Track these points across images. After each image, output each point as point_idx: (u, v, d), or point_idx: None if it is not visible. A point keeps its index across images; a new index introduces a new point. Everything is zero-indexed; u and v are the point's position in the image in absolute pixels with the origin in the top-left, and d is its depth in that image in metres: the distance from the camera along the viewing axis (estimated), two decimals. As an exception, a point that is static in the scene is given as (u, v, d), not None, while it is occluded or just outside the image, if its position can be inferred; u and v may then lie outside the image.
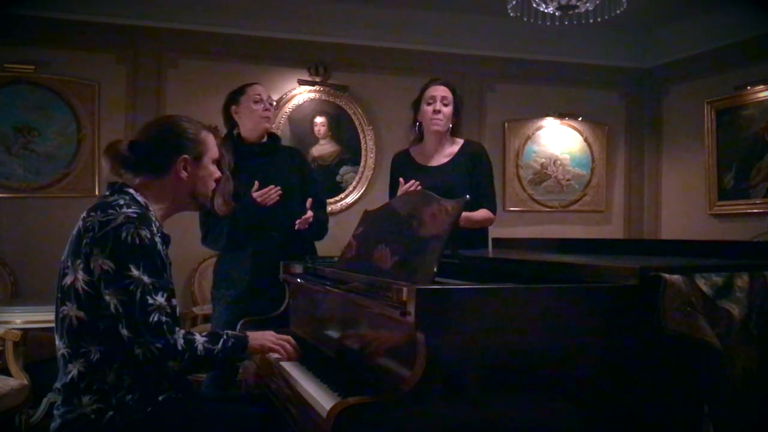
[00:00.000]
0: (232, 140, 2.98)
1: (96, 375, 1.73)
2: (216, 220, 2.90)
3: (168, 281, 1.81)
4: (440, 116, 3.00)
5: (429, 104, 3.02)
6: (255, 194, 2.84)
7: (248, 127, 2.99)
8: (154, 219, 1.84)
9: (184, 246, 4.64)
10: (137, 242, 1.72)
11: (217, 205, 2.81)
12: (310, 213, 2.89)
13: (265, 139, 3.05)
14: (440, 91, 3.02)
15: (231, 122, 3.03)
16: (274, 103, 3.05)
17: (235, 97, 3.01)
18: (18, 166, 4.67)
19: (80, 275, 1.74)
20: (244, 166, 2.92)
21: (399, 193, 2.83)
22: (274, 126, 2.99)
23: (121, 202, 1.79)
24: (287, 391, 1.89)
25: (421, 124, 3.10)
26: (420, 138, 3.15)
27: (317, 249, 3.17)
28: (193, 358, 1.77)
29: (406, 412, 1.41)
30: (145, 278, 1.71)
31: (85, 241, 1.74)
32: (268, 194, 2.83)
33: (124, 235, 1.71)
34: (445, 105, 3.02)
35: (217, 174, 2.04)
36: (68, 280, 1.76)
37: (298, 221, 2.88)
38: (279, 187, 2.84)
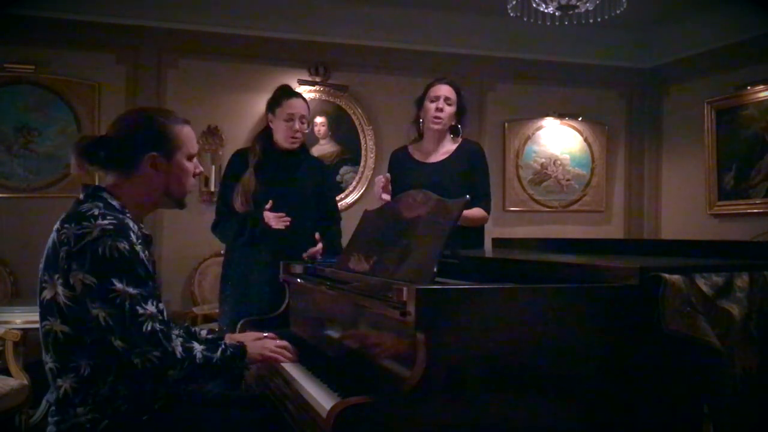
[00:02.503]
0: (264, 140, 3.04)
1: (89, 390, 1.69)
2: (230, 213, 2.96)
3: (153, 288, 1.73)
4: (442, 114, 3.02)
5: (432, 102, 3.04)
6: (267, 214, 2.88)
7: (279, 140, 3.03)
8: (131, 224, 1.75)
9: (184, 246, 4.67)
10: (116, 255, 1.64)
11: (236, 202, 2.91)
12: (319, 246, 2.90)
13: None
14: (444, 90, 3.04)
15: (268, 125, 3.07)
16: (306, 123, 3.04)
17: (273, 105, 3.03)
18: (18, 166, 4.67)
19: (60, 290, 1.67)
20: (267, 168, 2.98)
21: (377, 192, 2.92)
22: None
23: (96, 211, 1.70)
24: (287, 391, 1.89)
25: (422, 121, 3.11)
26: (420, 135, 3.16)
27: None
28: (192, 367, 1.73)
29: (406, 412, 1.41)
30: (131, 290, 1.65)
31: (61, 255, 1.67)
32: (278, 220, 2.86)
33: (101, 249, 1.64)
34: (448, 104, 3.04)
35: (198, 170, 1.93)
36: (47, 294, 1.70)
37: (306, 254, 2.89)
38: (289, 219, 2.87)
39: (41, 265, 1.75)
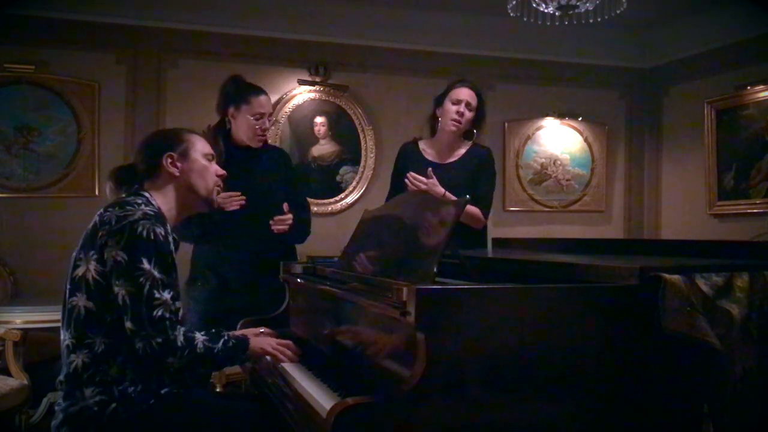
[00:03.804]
0: (224, 136, 2.91)
1: (99, 366, 1.76)
2: None
3: (176, 281, 1.84)
4: (462, 119, 3.01)
5: (454, 104, 3.02)
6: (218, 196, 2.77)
7: (242, 138, 2.93)
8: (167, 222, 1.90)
9: (185, 247, 4.66)
10: (152, 237, 1.77)
11: None
12: (289, 215, 2.82)
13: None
14: (467, 95, 3.03)
15: (225, 120, 2.95)
16: (273, 119, 2.98)
17: (236, 100, 2.91)
18: (18, 166, 4.65)
19: (92, 265, 1.78)
20: (230, 166, 2.84)
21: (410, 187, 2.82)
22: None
23: (139, 200, 1.86)
24: (287, 390, 1.89)
25: (437, 119, 3.10)
26: (432, 134, 3.15)
27: (318, 247, 3.18)
28: (193, 356, 1.80)
29: (406, 412, 1.41)
30: (156, 273, 1.75)
31: (100, 233, 1.79)
32: (231, 199, 2.70)
33: (139, 229, 1.76)
34: (469, 110, 3.03)
35: (221, 172, 2.09)
36: (80, 271, 1.80)
37: (272, 221, 2.79)
38: (244, 197, 2.73)
39: (77, 248, 1.85)
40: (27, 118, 4.68)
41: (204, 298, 2.93)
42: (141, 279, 1.74)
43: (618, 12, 3.68)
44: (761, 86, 4.99)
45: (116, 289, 1.75)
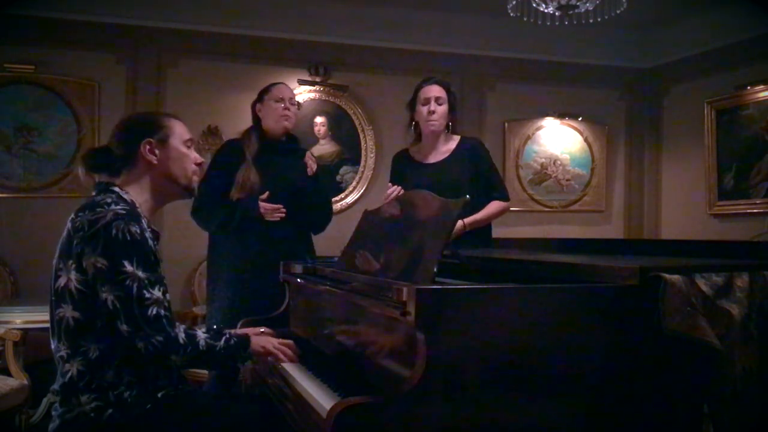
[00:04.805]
0: (257, 132, 3.07)
1: (95, 373, 1.73)
2: (215, 199, 2.94)
3: (161, 276, 1.80)
4: (435, 116, 3.02)
5: (424, 104, 3.03)
6: (263, 204, 2.91)
7: (270, 125, 3.08)
8: (142, 215, 1.84)
9: (185, 246, 4.66)
10: (128, 238, 1.71)
11: (234, 191, 2.93)
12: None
13: (284, 139, 3.13)
14: (434, 91, 3.03)
15: (257, 118, 3.12)
16: (296, 103, 3.15)
17: (260, 95, 3.12)
18: (18, 166, 4.66)
19: (73, 275, 1.73)
20: (262, 159, 2.99)
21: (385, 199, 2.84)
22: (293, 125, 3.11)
23: (108, 200, 1.78)
24: (287, 390, 1.89)
25: (417, 123, 3.11)
26: (418, 138, 3.17)
27: (318, 247, 3.19)
28: (195, 353, 1.78)
29: (406, 412, 1.41)
30: (140, 273, 1.71)
31: (75, 241, 1.73)
32: (272, 211, 2.92)
33: (114, 231, 1.70)
34: (440, 104, 3.03)
35: (198, 159, 1.99)
36: (61, 281, 1.75)
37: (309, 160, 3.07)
38: (284, 211, 2.94)
39: (56, 256, 1.80)
40: (27, 118, 4.69)
41: (224, 299, 2.96)
42: (127, 282, 1.69)
43: (618, 12, 3.69)
44: (761, 86, 4.99)
45: (103, 295, 1.70)
